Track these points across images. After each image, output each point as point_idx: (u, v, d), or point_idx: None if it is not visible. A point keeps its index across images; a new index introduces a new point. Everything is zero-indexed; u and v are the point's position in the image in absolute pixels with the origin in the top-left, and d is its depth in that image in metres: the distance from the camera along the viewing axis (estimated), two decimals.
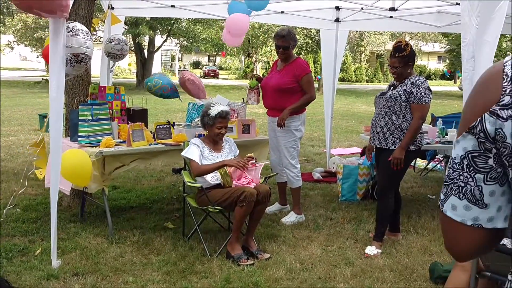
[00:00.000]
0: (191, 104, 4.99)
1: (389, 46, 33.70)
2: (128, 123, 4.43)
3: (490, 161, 0.82)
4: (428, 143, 4.78)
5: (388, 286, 3.30)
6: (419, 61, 42.08)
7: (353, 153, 8.09)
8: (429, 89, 3.80)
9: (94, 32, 5.11)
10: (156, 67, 37.41)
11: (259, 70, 35.96)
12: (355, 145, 9.23)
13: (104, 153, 3.90)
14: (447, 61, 34.87)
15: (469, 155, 0.83)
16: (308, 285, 3.29)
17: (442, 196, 0.89)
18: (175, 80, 5.53)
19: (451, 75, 40.54)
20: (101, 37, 9.09)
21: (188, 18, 23.24)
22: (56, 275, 3.27)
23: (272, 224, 4.50)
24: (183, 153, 3.89)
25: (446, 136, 5.10)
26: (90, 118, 4.04)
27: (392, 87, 3.95)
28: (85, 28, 3.94)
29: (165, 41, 28.57)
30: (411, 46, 3.83)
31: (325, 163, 7.09)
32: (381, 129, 3.88)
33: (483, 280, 2.51)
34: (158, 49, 28.08)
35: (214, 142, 3.95)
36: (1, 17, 22.36)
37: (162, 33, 26.97)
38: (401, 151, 3.75)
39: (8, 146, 7.95)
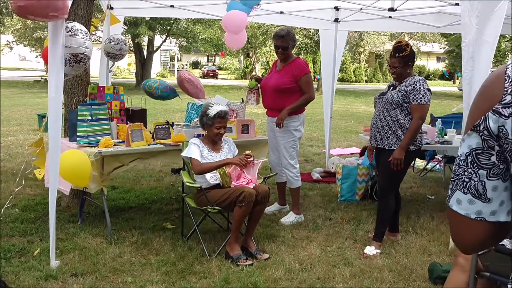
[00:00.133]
0: (190, 104, 4.98)
1: (388, 46, 33.78)
2: (127, 123, 4.43)
3: (493, 158, 0.87)
4: (427, 143, 4.78)
5: (387, 286, 3.30)
6: (418, 61, 42.16)
7: (352, 153, 8.09)
8: (429, 90, 3.80)
9: (94, 32, 5.10)
10: (156, 67, 37.42)
11: (259, 70, 35.97)
12: (354, 145, 9.23)
13: (103, 153, 3.90)
14: (447, 61, 34.93)
15: (473, 152, 0.89)
16: (307, 285, 3.28)
17: (449, 191, 0.95)
18: (173, 80, 5.53)
19: (450, 75, 40.56)
20: (100, 37, 9.09)
21: (188, 18, 23.27)
22: (55, 276, 3.26)
23: (271, 224, 4.49)
24: (183, 154, 3.88)
25: (445, 137, 5.10)
26: (89, 118, 4.04)
27: (391, 87, 3.95)
28: (84, 28, 3.93)
29: (164, 41, 28.59)
30: (411, 47, 3.83)
31: (324, 163, 7.10)
32: (381, 129, 3.88)
33: (482, 280, 2.51)
34: (157, 49, 28.10)
35: (213, 142, 3.95)
36: (1, 17, 22.31)
37: (162, 33, 26.99)
38: (401, 152, 3.75)
39: (7, 146, 7.93)
